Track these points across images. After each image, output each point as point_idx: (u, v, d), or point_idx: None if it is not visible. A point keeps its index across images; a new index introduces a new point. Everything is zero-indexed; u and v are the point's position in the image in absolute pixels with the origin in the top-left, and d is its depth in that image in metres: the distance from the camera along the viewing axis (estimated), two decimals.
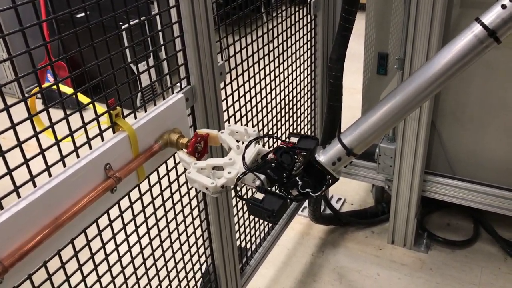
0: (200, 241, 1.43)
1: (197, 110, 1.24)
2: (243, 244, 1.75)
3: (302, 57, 1.90)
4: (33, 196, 0.81)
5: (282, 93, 1.79)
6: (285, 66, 1.76)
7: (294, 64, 1.83)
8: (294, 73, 1.86)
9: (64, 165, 0.89)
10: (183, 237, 1.32)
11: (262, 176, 0.92)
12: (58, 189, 0.85)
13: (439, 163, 2.13)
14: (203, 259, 1.46)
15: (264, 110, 1.67)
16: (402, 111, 0.93)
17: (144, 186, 1.13)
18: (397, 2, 1.95)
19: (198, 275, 1.45)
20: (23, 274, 0.83)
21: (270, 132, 1.76)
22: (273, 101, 1.72)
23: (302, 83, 1.95)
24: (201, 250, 1.45)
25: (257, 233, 1.85)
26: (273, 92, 1.71)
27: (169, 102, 1.10)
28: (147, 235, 1.18)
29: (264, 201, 0.89)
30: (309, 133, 2.19)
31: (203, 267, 1.49)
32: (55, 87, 0.89)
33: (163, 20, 1.13)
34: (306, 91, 2.03)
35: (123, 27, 1.04)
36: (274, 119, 1.77)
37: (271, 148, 0.99)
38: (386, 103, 0.94)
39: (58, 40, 0.87)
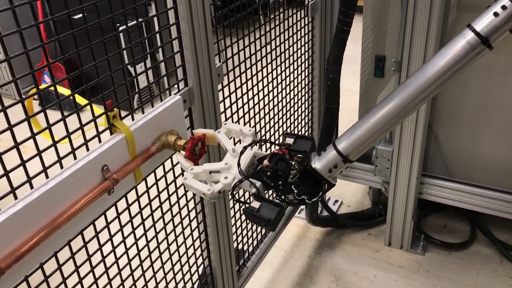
0: (197, 243, 1.43)
1: (195, 111, 1.24)
2: (240, 246, 1.75)
3: (299, 59, 1.90)
4: (30, 197, 0.81)
5: (280, 95, 1.79)
6: (283, 68, 1.76)
7: (291, 66, 1.84)
8: (292, 75, 1.86)
9: (61, 167, 0.89)
10: (180, 239, 1.32)
11: (258, 183, 0.92)
12: (55, 191, 0.85)
13: (436, 165, 2.13)
14: (200, 261, 1.46)
15: (262, 112, 1.67)
16: (396, 117, 0.94)
17: (141, 188, 1.12)
18: (395, 4, 1.96)
19: (195, 277, 1.45)
20: (19, 276, 0.83)
21: (268, 134, 1.76)
22: (271, 103, 1.72)
23: (299, 85, 1.96)
24: (198, 252, 1.45)
25: (254, 235, 1.85)
26: (271, 94, 1.71)
27: (167, 103, 1.10)
28: (144, 237, 1.18)
29: (260, 210, 0.90)
30: (306, 135, 2.19)
31: (200, 269, 1.49)
32: (52, 88, 0.88)
33: (161, 22, 1.13)
34: (303, 93, 2.03)
35: (120, 28, 1.04)
36: (272, 121, 1.77)
37: (267, 152, 0.99)
38: (380, 109, 0.94)
39: (55, 41, 0.87)
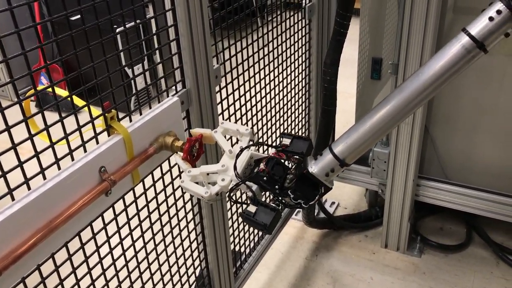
0: (194, 245, 1.43)
1: (192, 113, 1.25)
2: (237, 248, 1.75)
3: (296, 62, 1.91)
4: (28, 198, 0.81)
5: (277, 97, 1.79)
6: (280, 70, 1.77)
7: (288, 68, 1.84)
8: (289, 77, 1.86)
9: (59, 168, 0.89)
10: (177, 241, 1.32)
11: (254, 187, 0.92)
12: (52, 192, 0.84)
13: (432, 168, 2.14)
14: (197, 262, 1.46)
15: (259, 113, 1.67)
16: (392, 120, 0.95)
17: (139, 189, 1.12)
18: (391, 7, 1.97)
19: (192, 279, 1.45)
20: (16, 277, 0.82)
21: (265, 136, 1.76)
22: (268, 105, 1.73)
23: (296, 87, 1.96)
24: (195, 254, 1.45)
25: (251, 236, 1.85)
26: (268, 96, 1.72)
27: (164, 105, 1.10)
28: (141, 238, 1.18)
29: (256, 214, 0.90)
30: (303, 135, 2.19)
31: (197, 271, 1.48)
32: (49, 89, 0.88)
33: (158, 24, 1.13)
34: (300, 95, 2.03)
35: (117, 30, 1.04)
36: (269, 123, 1.77)
37: (264, 154, 0.99)
38: (377, 112, 0.95)
39: (52, 43, 0.87)
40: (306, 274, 2.16)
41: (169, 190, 1.23)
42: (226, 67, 1.41)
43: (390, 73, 1.92)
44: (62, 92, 0.95)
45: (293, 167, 0.98)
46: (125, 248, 1.12)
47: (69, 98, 0.92)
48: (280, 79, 1.78)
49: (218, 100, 1.37)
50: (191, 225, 1.39)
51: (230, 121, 1.47)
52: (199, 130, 1.07)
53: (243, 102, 1.54)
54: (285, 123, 1.93)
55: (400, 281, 2.10)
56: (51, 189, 0.84)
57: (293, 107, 1.97)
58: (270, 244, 1.99)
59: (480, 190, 2.03)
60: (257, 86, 1.63)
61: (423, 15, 1.72)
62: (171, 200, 1.25)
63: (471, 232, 2.31)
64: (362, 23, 2.04)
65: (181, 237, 1.33)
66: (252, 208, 0.90)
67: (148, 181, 1.14)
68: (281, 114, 1.87)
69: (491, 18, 0.87)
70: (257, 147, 1.69)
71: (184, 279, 1.39)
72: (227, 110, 1.46)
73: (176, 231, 1.30)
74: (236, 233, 1.71)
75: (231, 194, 0.94)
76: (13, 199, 0.81)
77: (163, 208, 1.22)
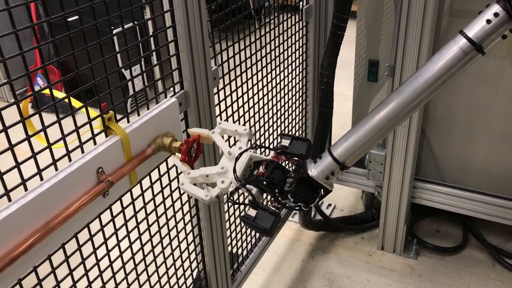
0: (191, 247, 1.42)
1: (190, 115, 1.24)
2: (234, 250, 1.74)
3: (294, 63, 1.91)
4: (24, 199, 0.80)
5: (274, 99, 1.79)
6: (277, 72, 1.77)
7: (286, 70, 1.84)
8: (286, 79, 1.87)
9: (56, 169, 0.88)
10: (175, 243, 1.31)
11: (254, 190, 0.92)
12: (49, 193, 0.84)
13: (428, 170, 2.15)
14: (194, 264, 1.46)
15: (256, 115, 1.67)
16: (391, 122, 0.95)
17: (136, 190, 1.12)
18: (388, 10, 1.97)
19: (189, 281, 1.44)
20: (12, 279, 0.82)
21: (262, 138, 1.76)
22: (265, 107, 1.73)
23: (294, 89, 1.96)
24: (193, 256, 1.44)
25: (248, 239, 1.85)
26: (265, 97, 1.72)
27: (162, 106, 1.10)
28: (138, 240, 1.17)
29: (257, 218, 0.91)
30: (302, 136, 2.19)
31: (194, 273, 1.48)
32: (47, 91, 0.88)
33: (157, 25, 1.13)
34: (297, 97, 2.03)
35: (115, 31, 1.04)
36: (266, 125, 1.77)
37: (263, 156, 0.99)
38: (375, 115, 0.95)
39: (48, 44, 0.87)
40: (303, 276, 2.16)
41: (166, 191, 1.23)
42: (223, 69, 1.41)
43: (387, 75, 1.93)
44: (58, 94, 0.94)
45: (293, 170, 0.98)
46: (122, 250, 1.11)
47: (66, 100, 0.92)
48: (278, 81, 1.78)
49: (216, 101, 1.37)
50: (189, 227, 1.38)
51: (227, 122, 1.48)
52: (196, 130, 1.07)
53: (240, 103, 1.54)
54: (282, 125, 1.93)
55: (396, 283, 2.10)
56: (48, 190, 0.83)
57: (290, 109, 1.98)
58: (267, 246, 1.99)
59: (476, 192, 2.04)
60: (255, 88, 1.63)
61: (420, 17, 1.73)
62: (168, 202, 1.25)
63: (467, 234, 2.31)
64: (359, 26, 2.04)
65: (178, 239, 1.33)
66: (252, 212, 0.90)
67: (146, 182, 1.14)
68: (278, 116, 1.87)
69: (488, 21, 0.88)
70: (255, 144, 1.69)
71: (181, 281, 1.38)
72: (224, 112, 1.46)
73: (173, 233, 1.29)
74: (233, 235, 1.70)
75: (231, 197, 0.94)
76: (9, 200, 0.80)
77: (160, 210, 1.22)
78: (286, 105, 1.92)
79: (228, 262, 1.61)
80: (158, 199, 1.20)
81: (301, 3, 1.90)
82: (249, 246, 1.87)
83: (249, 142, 0.99)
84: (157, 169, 1.15)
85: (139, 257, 1.18)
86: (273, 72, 1.74)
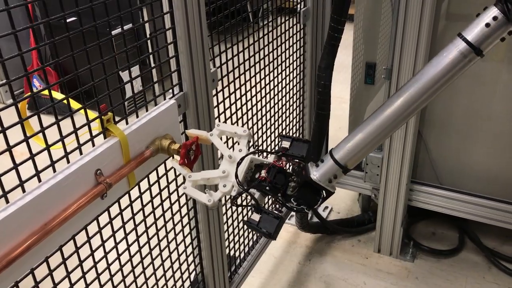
0: (189, 249, 1.42)
1: (189, 116, 1.24)
2: (231, 253, 1.74)
3: (291, 66, 1.91)
4: (22, 201, 0.80)
5: (272, 101, 1.79)
6: (275, 74, 1.77)
7: (283, 72, 1.84)
8: (284, 81, 1.87)
9: (54, 171, 0.88)
10: (173, 245, 1.31)
11: (257, 194, 0.93)
12: (47, 195, 0.83)
13: (425, 173, 2.15)
14: (192, 267, 1.45)
15: (254, 117, 1.67)
16: (392, 125, 0.95)
17: (135, 193, 1.11)
18: (386, 13, 1.98)
19: (187, 284, 1.44)
20: (10, 281, 0.81)
21: (260, 140, 1.76)
22: (263, 109, 1.73)
23: (291, 91, 1.97)
24: (190, 258, 1.44)
25: (246, 241, 1.85)
26: (264, 99, 1.72)
27: (161, 108, 1.10)
28: (136, 242, 1.17)
29: (260, 223, 0.93)
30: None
31: (192, 276, 1.47)
32: (45, 92, 0.87)
33: (156, 27, 1.12)
34: (295, 99, 2.04)
35: (113, 32, 1.03)
36: (264, 127, 1.77)
37: (264, 159, 0.99)
38: (376, 118, 0.96)
39: (45, 45, 0.86)
40: (299, 278, 2.16)
41: (164, 193, 1.22)
42: (222, 71, 1.41)
43: (384, 78, 1.93)
44: (57, 95, 0.94)
45: (294, 173, 0.98)
46: (120, 252, 1.10)
47: (65, 101, 0.91)
48: (275, 83, 1.79)
49: (215, 103, 1.37)
50: (187, 230, 1.38)
51: (226, 123, 1.47)
52: (195, 132, 1.06)
53: (238, 105, 1.54)
54: (280, 127, 1.93)
55: (393, 285, 2.10)
56: (46, 192, 0.83)
57: (287, 111, 1.98)
58: (264, 249, 1.99)
59: (473, 195, 2.05)
60: (253, 90, 1.63)
61: (417, 21, 1.73)
62: (166, 204, 1.24)
63: (464, 237, 2.32)
64: (357, 28, 2.05)
65: (176, 242, 1.32)
66: (256, 216, 0.91)
67: (144, 184, 1.13)
68: (276, 118, 1.87)
69: (487, 24, 0.88)
70: (254, 146, 1.69)
71: (179, 284, 1.38)
72: (223, 114, 1.45)
73: (171, 235, 1.29)
74: (231, 237, 1.70)
75: (235, 201, 0.95)
76: (7, 201, 0.80)
77: (158, 212, 1.21)
78: (284, 107, 1.92)
79: (226, 265, 1.61)
80: (156, 201, 1.20)
81: (298, 6, 1.90)
82: (246, 249, 1.87)
83: (249, 143, 0.99)
84: (155, 171, 1.15)
85: (136, 259, 1.17)
86: (271, 74, 1.74)
